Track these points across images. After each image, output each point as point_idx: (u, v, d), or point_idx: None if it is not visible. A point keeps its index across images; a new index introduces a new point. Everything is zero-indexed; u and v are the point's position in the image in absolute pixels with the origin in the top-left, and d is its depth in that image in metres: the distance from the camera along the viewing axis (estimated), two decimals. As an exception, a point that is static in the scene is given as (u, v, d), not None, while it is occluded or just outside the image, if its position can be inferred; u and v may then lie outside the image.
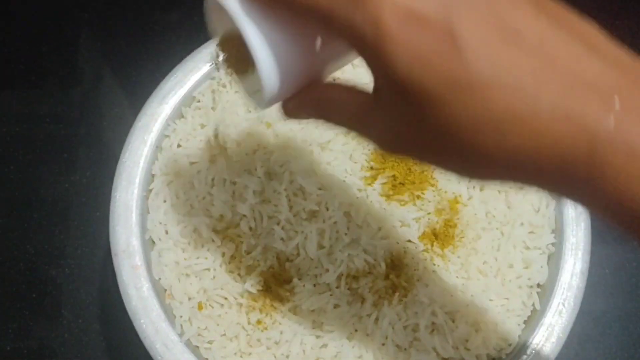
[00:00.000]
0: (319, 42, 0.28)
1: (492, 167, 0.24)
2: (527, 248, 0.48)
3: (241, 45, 0.28)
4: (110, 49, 0.74)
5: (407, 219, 0.47)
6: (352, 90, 0.31)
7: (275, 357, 0.45)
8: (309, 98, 0.31)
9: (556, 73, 0.22)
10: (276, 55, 0.27)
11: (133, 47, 0.73)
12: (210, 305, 0.47)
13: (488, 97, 0.22)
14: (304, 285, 0.46)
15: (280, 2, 0.26)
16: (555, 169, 0.23)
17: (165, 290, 0.47)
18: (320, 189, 0.48)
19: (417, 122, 0.25)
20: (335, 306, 0.46)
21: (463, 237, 0.48)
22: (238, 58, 0.33)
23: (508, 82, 0.22)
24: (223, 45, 0.34)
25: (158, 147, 0.50)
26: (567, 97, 0.22)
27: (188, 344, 0.45)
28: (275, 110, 0.52)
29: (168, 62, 0.54)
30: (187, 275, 0.47)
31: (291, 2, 0.25)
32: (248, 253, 0.47)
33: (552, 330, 0.45)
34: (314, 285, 0.46)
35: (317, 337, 0.45)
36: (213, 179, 0.49)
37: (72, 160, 0.68)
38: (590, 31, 0.24)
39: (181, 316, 0.46)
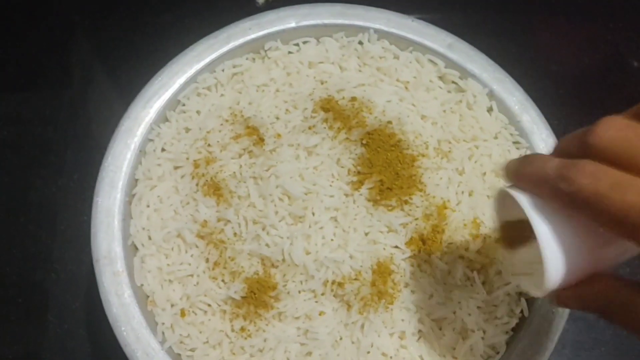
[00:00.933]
0: (610, 242, 0.29)
1: None
2: (516, 254, 0.48)
3: (520, 228, 0.30)
4: (101, 52, 0.74)
5: (394, 224, 0.47)
6: None
7: (259, 365, 0.45)
8: (588, 292, 0.29)
9: None
10: (563, 252, 0.28)
11: (124, 49, 0.73)
12: (193, 312, 0.46)
13: None
14: (288, 292, 0.45)
15: (587, 213, 0.25)
16: None
17: (148, 296, 0.46)
18: (306, 193, 0.47)
19: None
20: (321, 313, 0.45)
21: (451, 243, 0.47)
22: (514, 238, 0.36)
23: None
24: (503, 226, 0.37)
25: (142, 152, 0.49)
26: None
27: (170, 352, 0.44)
28: (260, 112, 0.51)
29: (159, 65, 0.53)
30: (170, 281, 0.47)
31: (599, 215, 0.24)
32: (232, 259, 0.47)
33: (540, 338, 0.44)
34: (299, 291, 0.46)
35: (302, 344, 0.45)
36: (197, 184, 0.48)
37: (60, 164, 0.68)
38: None
39: (163, 323, 0.45)
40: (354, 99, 0.51)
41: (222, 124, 0.50)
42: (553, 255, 0.28)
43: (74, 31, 0.75)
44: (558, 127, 0.52)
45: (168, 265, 0.47)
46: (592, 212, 0.25)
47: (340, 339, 0.44)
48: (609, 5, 0.76)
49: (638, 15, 0.75)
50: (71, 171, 0.66)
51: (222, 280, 0.46)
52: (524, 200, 0.29)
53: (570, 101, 0.70)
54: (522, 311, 0.46)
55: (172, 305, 0.46)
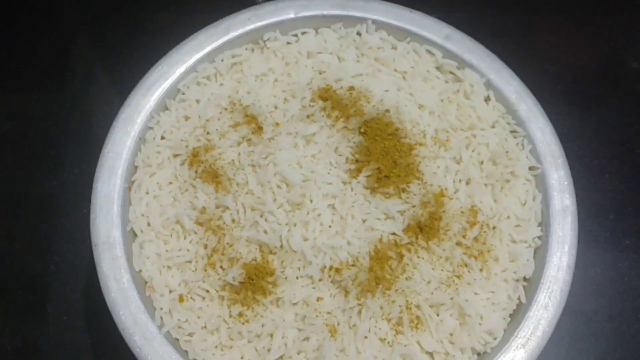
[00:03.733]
0: None
1: None
2: (514, 241, 0.48)
3: None
4: (102, 48, 0.75)
5: (391, 211, 0.47)
6: None
7: (256, 350, 0.45)
8: None
9: None
10: None
11: (124, 45, 0.74)
12: (191, 297, 0.46)
13: None
14: (286, 278, 0.45)
15: None
16: None
17: (146, 282, 0.46)
18: (304, 181, 0.47)
19: None
20: (318, 299, 0.45)
21: (448, 230, 0.47)
22: None
23: None
24: None
25: (141, 139, 0.50)
26: None
27: (167, 336, 0.44)
28: (258, 101, 0.52)
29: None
30: (169, 267, 0.47)
31: None
32: (231, 245, 0.47)
33: (538, 324, 0.44)
34: (297, 277, 0.46)
35: (300, 330, 0.45)
36: (196, 171, 0.49)
37: (61, 158, 0.68)
38: None
39: (161, 308, 0.45)
40: (352, 88, 0.51)
41: (221, 113, 0.51)
42: None
43: (75, 28, 0.76)
44: (557, 120, 0.52)
45: (167, 251, 0.47)
46: None
47: (338, 324, 0.45)
48: (607, 4, 0.76)
49: (637, 15, 0.76)
50: (71, 165, 0.67)
51: (221, 267, 0.46)
52: None
53: (569, 98, 0.71)
54: (519, 297, 0.46)
55: (170, 291, 0.46)
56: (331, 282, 0.46)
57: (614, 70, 0.73)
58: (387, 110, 0.50)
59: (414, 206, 0.48)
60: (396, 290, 0.45)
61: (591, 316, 0.61)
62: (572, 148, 0.65)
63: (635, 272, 0.63)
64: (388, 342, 0.44)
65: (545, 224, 0.48)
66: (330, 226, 0.47)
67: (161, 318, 0.45)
